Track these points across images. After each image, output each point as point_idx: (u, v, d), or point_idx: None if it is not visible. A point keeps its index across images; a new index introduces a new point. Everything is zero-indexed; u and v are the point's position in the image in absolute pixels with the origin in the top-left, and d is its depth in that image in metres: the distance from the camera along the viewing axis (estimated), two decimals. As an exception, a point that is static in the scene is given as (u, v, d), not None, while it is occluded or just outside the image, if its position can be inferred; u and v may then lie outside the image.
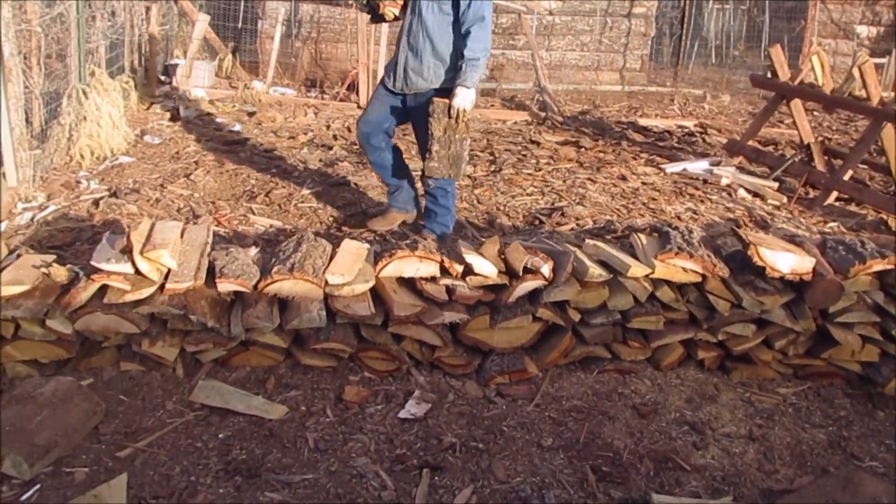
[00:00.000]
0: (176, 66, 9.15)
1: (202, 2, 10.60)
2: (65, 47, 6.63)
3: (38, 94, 5.76)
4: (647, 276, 3.20)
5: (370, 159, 4.74)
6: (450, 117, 4.00)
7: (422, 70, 4.23)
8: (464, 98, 4.00)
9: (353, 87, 9.24)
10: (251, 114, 8.14)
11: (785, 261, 3.19)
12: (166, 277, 2.96)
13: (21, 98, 5.01)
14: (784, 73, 6.81)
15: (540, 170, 6.37)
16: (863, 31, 12.21)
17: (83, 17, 6.38)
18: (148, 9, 8.75)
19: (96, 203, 4.99)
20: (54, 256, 3.26)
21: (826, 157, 6.52)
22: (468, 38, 4.05)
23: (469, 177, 6.06)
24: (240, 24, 10.61)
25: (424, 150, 4.28)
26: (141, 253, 2.87)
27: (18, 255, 3.28)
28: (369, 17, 4.47)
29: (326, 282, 3.02)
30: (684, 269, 3.21)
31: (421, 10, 4.14)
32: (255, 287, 3.00)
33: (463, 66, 4.06)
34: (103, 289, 2.93)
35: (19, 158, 4.99)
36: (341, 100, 9.21)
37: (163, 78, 9.14)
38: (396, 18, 4.34)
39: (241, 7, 10.59)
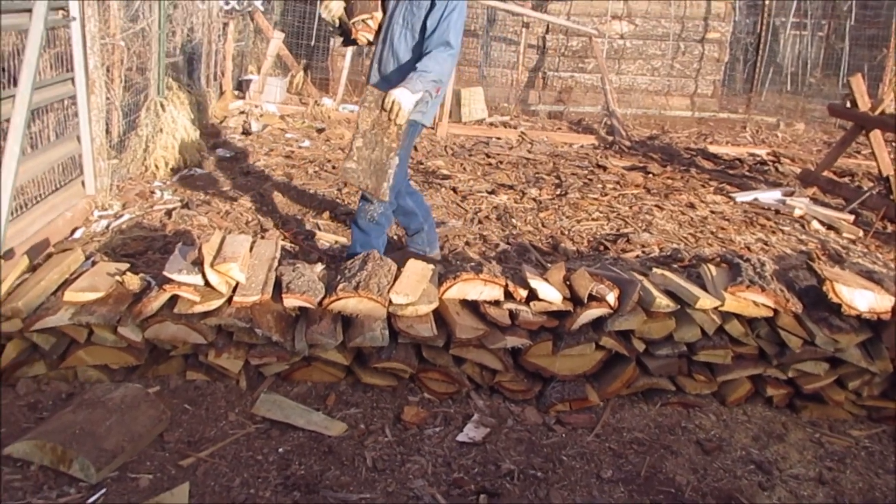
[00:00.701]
0: (250, 81, 9.37)
1: (277, 19, 10.84)
2: (145, 61, 6.85)
3: (118, 105, 5.96)
4: (716, 308, 3.13)
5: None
6: (383, 109, 3.66)
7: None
8: (401, 95, 3.60)
9: (421, 106, 9.29)
10: (320, 130, 8.27)
11: (863, 299, 3.09)
12: (234, 290, 3.01)
13: (103, 109, 5.18)
14: (864, 103, 6.62)
15: (606, 195, 6.31)
16: (948, 61, 11.80)
17: (164, 32, 6.58)
18: (225, 25, 8.99)
19: (169, 213, 5.11)
20: (128, 265, 3.35)
21: (906, 191, 6.30)
22: (426, 56, 3.78)
23: (534, 199, 6.03)
24: (312, 42, 10.82)
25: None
26: (212, 265, 2.93)
27: (94, 262, 3.38)
28: (342, 39, 4.21)
29: (390, 301, 3.03)
30: (755, 303, 3.13)
31: (393, 38, 3.94)
32: (320, 304, 3.02)
33: (412, 74, 3.74)
34: (173, 299, 2.99)
35: (98, 168, 5.15)
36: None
37: (236, 92, 9.37)
38: (370, 43, 4.10)
39: (315, 25, 10.79)
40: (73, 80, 4.83)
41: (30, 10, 4.16)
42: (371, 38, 4.02)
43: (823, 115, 9.96)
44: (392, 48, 3.95)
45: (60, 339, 3.00)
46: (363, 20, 3.93)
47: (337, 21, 3.97)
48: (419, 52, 3.85)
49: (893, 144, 8.84)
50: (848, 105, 6.91)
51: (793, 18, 12.16)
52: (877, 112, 6.47)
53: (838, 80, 12.00)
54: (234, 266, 2.94)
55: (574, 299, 3.15)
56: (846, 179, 7.55)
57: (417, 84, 3.65)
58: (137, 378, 3.07)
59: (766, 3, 11.42)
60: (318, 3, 3.99)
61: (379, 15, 3.94)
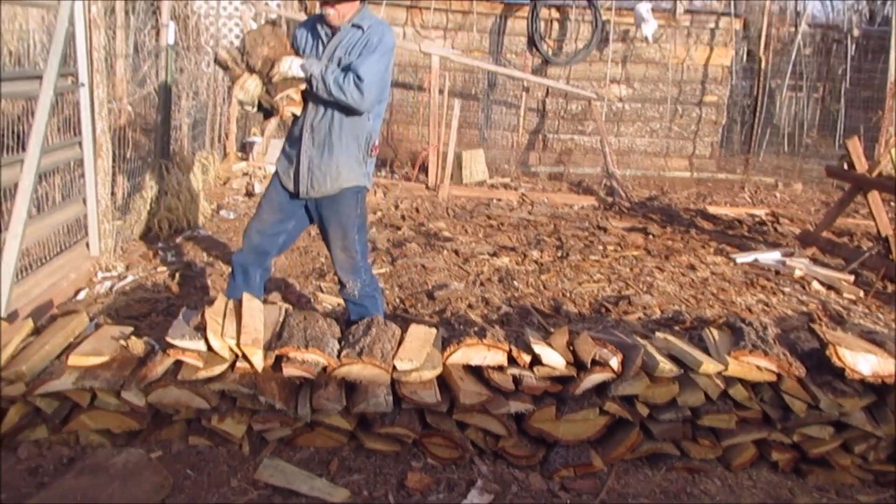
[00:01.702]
0: (253, 143, 9.50)
1: (282, 83, 11.01)
2: (151, 123, 6.97)
3: (123, 168, 6.04)
4: (719, 373, 3.13)
5: (232, 282, 4.11)
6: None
7: (331, 169, 3.80)
8: (293, 60, 3.62)
9: (423, 168, 9.42)
10: (323, 191, 8.34)
11: (866, 362, 3.09)
12: (237, 356, 3.01)
13: (109, 172, 5.26)
14: (861, 165, 6.71)
15: (607, 256, 6.34)
16: (942, 122, 11.98)
17: (170, 96, 6.71)
18: (230, 88, 9.15)
19: (172, 275, 5.14)
20: (132, 328, 3.35)
21: (905, 252, 6.34)
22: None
23: (536, 261, 6.07)
24: (316, 105, 10.97)
25: (337, 258, 3.99)
26: (238, 343, 2.95)
27: (98, 325, 3.39)
28: (262, 114, 3.96)
29: (394, 367, 3.03)
30: (759, 368, 3.13)
31: (324, 101, 3.72)
32: (324, 370, 3.03)
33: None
34: (177, 364, 2.99)
35: (103, 229, 5.20)
36: (409, 180, 9.39)
37: (240, 154, 9.48)
38: (295, 117, 3.85)
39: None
40: (80, 143, 4.92)
41: (40, 77, 4.26)
42: (298, 111, 3.80)
43: (821, 176, 10.07)
44: (327, 110, 3.76)
45: (63, 402, 3.00)
46: (288, 95, 3.71)
47: (256, 101, 3.76)
48: (355, 112, 3.73)
49: (891, 205, 8.92)
50: (845, 166, 7.00)
51: (788, 81, 12.37)
52: (874, 174, 6.55)
53: (834, 140, 12.16)
54: (259, 353, 2.96)
55: (577, 364, 3.15)
56: (845, 239, 7.60)
57: (314, 65, 3.63)
58: (140, 443, 3.05)
59: (762, 66, 11.63)
60: (233, 84, 3.77)
61: (304, 85, 3.70)
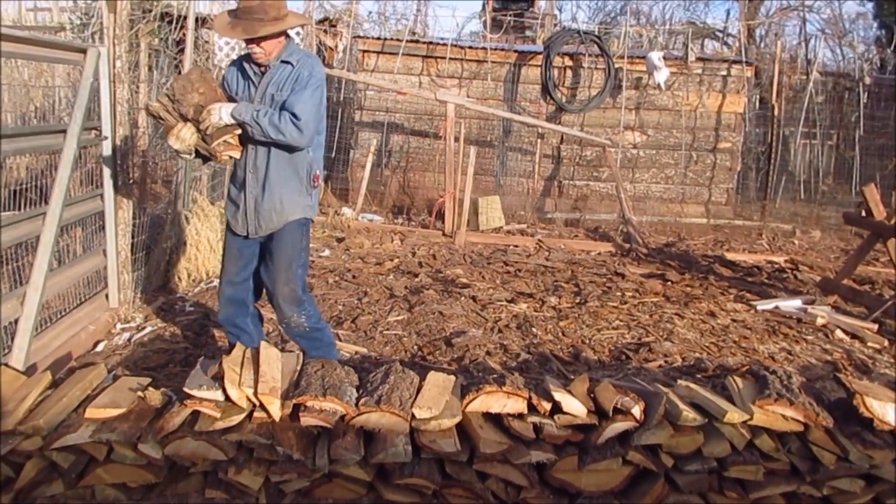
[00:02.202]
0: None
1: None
2: (171, 175, 7.04)
3: (143, 219, 6.08)
4: (744, 422, 3.06)
5: (232, 340, 4.12)
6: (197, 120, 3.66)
7: (274, 204, 3.85)
8: (223, 107, 3.63)
9: (439, 215, 9.45)
10: (340, 239, 8.39)
11: (894, 413, 3.02)
12: (255, 406, 2.99)
13: (129, 224, 5.30)
14: (879, 212, 6.66)
15: (626, 303, 6.30)
16: (958, 167, 11.96)
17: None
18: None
19: (190, 326, 5.14)
20: (150, 379, 3.34)
21: (928, 299, 6.25)
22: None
23: (554, 308, 6.03)
24: (333, 154, 11.10)
25: (280, 293, 3.96)
26: (255, 392, 2.92)
27: (115, 377, 3.37)
28: (199, 161, 3.95)
29: (413, 415, 2.99)
30: (785, 417, 3.06)
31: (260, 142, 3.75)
32: (342, 419, 2.99)
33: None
34: (194, 414, 2.97)
35: (122, 281, 5.22)
36: (426, 227, 9.42)
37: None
38: (235, 160, 3.89)
39: (336, 137, 11.11)
40: (101, 195, 4.97)
41: (64, 131, 4.32)
42: (238, 154, 3.81)
43: (838, 223, 10.01)
44: (265, 148, 3.78)
45: (79, 456, 2.96)
46: (225, 140, 3.70)
47: (193, 149, 3.75)
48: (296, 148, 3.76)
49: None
50: (863, 214, 6.96)
51: (802, 128, 12.39)
52: (893, 221, 6.50)
53: (850, 188, 12.12)
54: (277, 402, 2.94)
55: (599, 412, 3.10)
56: (867, 287, 7.51)
57: (245, 111, 3.63)
58: (156, 496, 3.01)
59: (775, 113, 11.67)
60: (167, 135, 3.73)
61: (240, 130, 3.70)
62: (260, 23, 3.67)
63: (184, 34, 7.92)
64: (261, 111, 3.65)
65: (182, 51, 7.68)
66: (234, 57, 10.65)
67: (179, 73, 7.98)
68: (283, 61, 3.79)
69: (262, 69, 3.81)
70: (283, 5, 3.77)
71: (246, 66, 3.86)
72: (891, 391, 3.23)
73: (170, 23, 8.71)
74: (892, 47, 12.88)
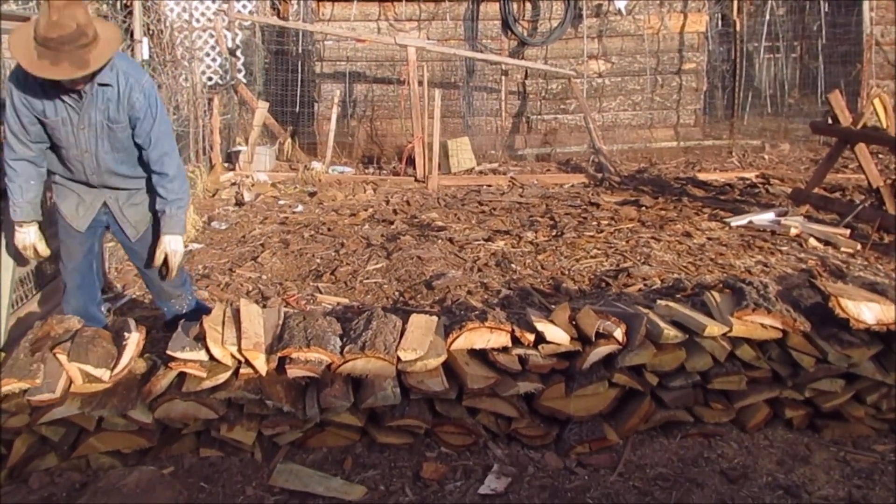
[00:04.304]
0: (238, 152, 9.45)
1: (260, 90, 10.99)
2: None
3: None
4: (724, 334, 3.12)
5: None
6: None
7: (136, 203, 3.62)
8: (176, 243, 3.58)
9: (410, 161, 9.38)
10: (312, 194, 8.33)
11: (869, 311, 3.08)
12: (241, 362, 2.99)
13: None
14: (845, 119, 6.70)
15: (602, 231, 6.33)
16: (922, 70, 11.99)
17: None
18: (210, 100, 9.11)
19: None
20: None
21: (898, 200, 6.33)
22: (161, 177, 3.47)
23: (531, 242, 6.05)
24: (297, 109, 10.95)
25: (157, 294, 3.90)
26: (239, 349, 2.92)
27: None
28: None
29: (399, 358, 3.01)
30: (763, 326, 3.12)
31: (94, 155, 3.36)
32: (328, 367, 3.00)
33: (168, 210, 3.51)
34: (181, 377, 2.97)
35: (95, 252, 5.15)
36: (398, 174, 9.36)
37: (226, 165, 9.44)
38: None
39: (298, 92, 10.94)
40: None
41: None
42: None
43: (806, 134, 10.07)
44: (107, 173, 3.45)
45: (70, 428, 2.97)
46: None
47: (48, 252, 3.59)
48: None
49: (879, 156, 8.92)
50: (829, 122, 6.99)
51: (765, 42, 12.34)
52: (859, 126, 6.54)
53: (816, 98, 12.12)
54: (261, 357, 2.95)
55: (582, 338, 3.14)
56: (837, 194, 7.59)
57: (179, 221, 3.55)
58: (151, 460, 3.03)
59: (738, 29, 11.60)
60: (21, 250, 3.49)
61: None
62: (86, 49, 3.00)
63: (131, -3, 7.71)
64: (173, 204, 3.48)
65: (130, 13, 7.48)
66: (187, 16, 10.43)
67: (130, 35, 7.78)
68: (100, 84, 3.20)
69: (77, 93, 3.20)
70: (85, 13, 3.03)
71: (46, 88, 3.15)
72: (865, 291, 3.29)
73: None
74: (850, -48, 12.78)
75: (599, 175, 9.05)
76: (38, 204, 3.44)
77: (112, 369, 2.94)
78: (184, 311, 3.91)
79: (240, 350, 2.93)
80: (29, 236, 3.45)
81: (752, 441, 3.21)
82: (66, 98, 3.20)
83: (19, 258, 3.63)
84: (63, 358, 2.90)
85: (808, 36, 12.60)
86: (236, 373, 2.99)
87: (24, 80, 3.15)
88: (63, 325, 3.15)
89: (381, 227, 6.81)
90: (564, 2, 10.63)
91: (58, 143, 3.34)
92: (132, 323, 3.17)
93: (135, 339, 3.03)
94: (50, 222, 3.70)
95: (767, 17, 12.13)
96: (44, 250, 3.54)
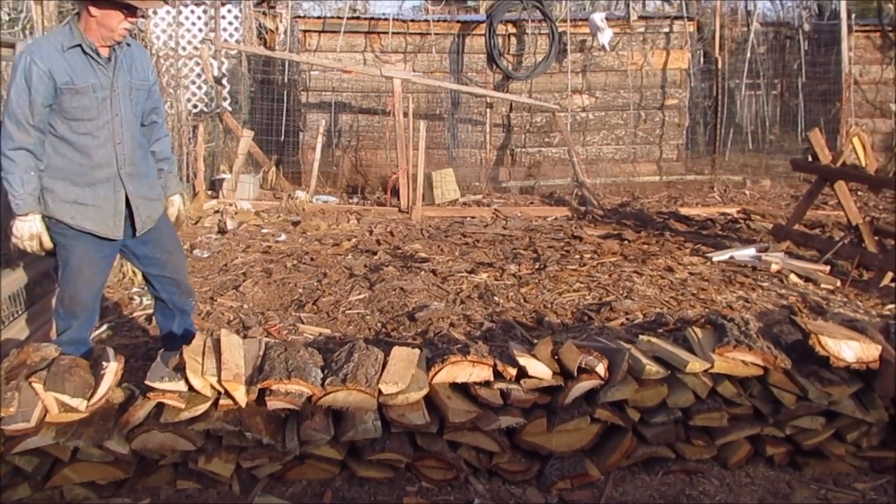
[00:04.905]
0: (222, 180, 9.44)
1: (245, 118, 11.01)
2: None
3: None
4: (706, 371, 3.12)
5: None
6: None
7: (153, 190, 3.69)
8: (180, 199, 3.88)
9: (394, 191, 9.40)
10: (296, 223, 8.31)
11: (849, 349, 3.10)
12: (220, 393, 2.96)
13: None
14: (825, 156, 6.79)
15: (585, 265, 6.35)
16: (900, 109, 12.22)
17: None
18: (195, 128, 9.12)
19: (149, 319, 5.06)
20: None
21: (877, 238, 6.40)
22: (162, 139, 3.76)
23: (514, 275, 6.06)
24: (282, 138, 10.97)
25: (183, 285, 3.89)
26: (219, 380, 2.89)
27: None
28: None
29: (380, 391, 2.99)
30: (744, 363, 3.12)
31: (123, 120, 3.45)
32: (309, 400, 2.98)
33: (170, 167, 3.78)
34: (159, 407, 2.93)
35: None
36: (382, 204, 9.37)
37: (210, 192, 9.42)
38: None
39: (283, 121, 10.97)
40: None
41: None
42: None
43: (787, 171, 10.19)
44: (125, 128, 3.48)
45: (44, 458, 2.92)
46: None
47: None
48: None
49: (859, 194, 9.04)
50: (810, 159, 7.08)
51: (746, 80, 12.54)
52: (838, 164, 6.63)
53: (797, 135, 12.31)
54: (242, 389, 2.91)
55: (564, 373, 3.13)
56: (817, 231, 7.68)
57: (176, 175, 3.82)
58: (127, 492, 2.98)
59: (719, 67, 11.79)
60: (21, 243, 3.40)
61: None
62: None
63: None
64: (171, 160, 3.82)
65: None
66: (174, 44, 10.46)
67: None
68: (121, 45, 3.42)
69: (103, 54, 3.35)
70: None
71: (75, 52, 3.30)
72: (845, 329, 3.31)
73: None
74: (828, -6, 13.07)
75: (583, 208, 9.10)
76: (37, 196, 3.37)
77: (89, 399, 2.89)
78: (191, 318, 3.97)
79: (219, 381, 2.90)
80: (35, 225, 3.36)
81: (733, 478, 3.20)
82: (95, 62, 3.32)
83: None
84: (39, 387, 2.86)
85: (789, 74, 12.83)
86: (216, 404, 2.96)
87: (49, 51, 3.25)
88: (39, 354, 3.10)
89: (365, 257, 6.80)
90: (549, 37, 10.76)
91: (81, 115, 3.33)
92: (110, 352, 3.13)
93: (113, 369, 2.99)
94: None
95: (748, 55, 12.33)
96: (48, 243, 3.44)
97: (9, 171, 3.28)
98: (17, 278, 4.24)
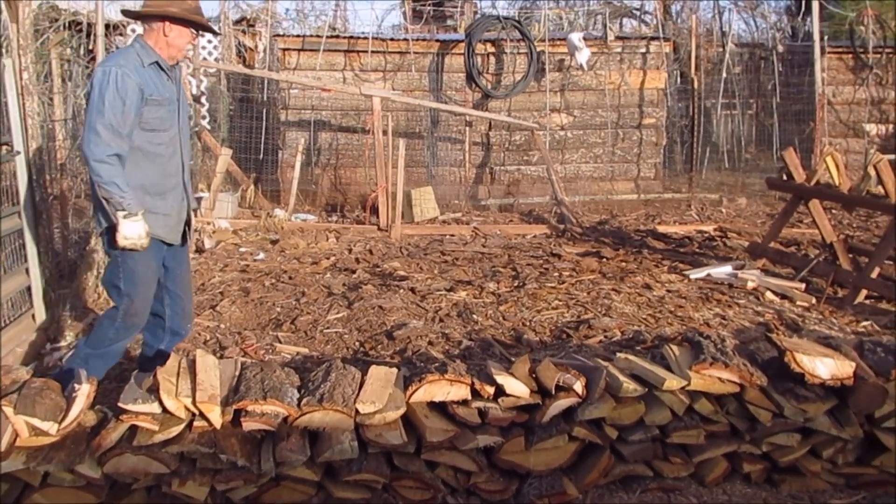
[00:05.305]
0: (200, 198, 9.37)
1: (224, 136, 10.98)
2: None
3: (67, 234, 5.90)
4: (683, 388, 3.13)
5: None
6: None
7: (192, 200, 3.95)
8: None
9: (373, 210, 9.40)
10: (274, 241, 8.28)
11: (824, 366, 3.12)
12: (195, 415, 2.93)
13: (51, 240, 5.12)
14: (799, 175, 6.86)
15: (563, 282, 6.36)
16: (872, 129, 12.41)
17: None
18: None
19: (124, 339, 5.00)
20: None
21: (851, 256, 6.48)
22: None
23: (493, 293, 6.06)
24: (261, 156, 10.94)
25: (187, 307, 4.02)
26: (194, 401, 2.86)
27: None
28: None
29: (357, 411, 2.97)
30: (721, 380, 3.14)
31: (182, 131, 3.78)
32: (285, 420, 2.95)
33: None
34: (132, 430, 2.89)
35: (48, 299, 5.05)
36: (361, 223, 9.36)
37: (188, 211, 9.34)
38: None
39: (262, 139, 10.95)
40: (19, 213, 4.79)
41: (-27, 148, 4.15)
42: None
43: (763, 189, 10.29)
44: (187, 152, 3.85)
45: (14, 483, 2.87)
46: None
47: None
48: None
49: (833, 212, 9.14)
50: (784, 178, 7.16)
51: (722, 100, 12.68)
52: (812, 183, 6.70)
53: (772, 154, 12.45)
54: (217, 410, 2.88)
55: (542, 391, 3.13)
56: (793, 249, 7.75)
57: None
58: (98, 516, 2.93)
59: (695, 87, 11.92)
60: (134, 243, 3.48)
61: None
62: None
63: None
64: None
65: (94, 59, 7.45)
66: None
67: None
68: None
69: (167, 69, 3.67)
70: None
71: (152, 68, 3.59)
72: (820, 346, 3.34)
73: (80, 31, 8.44)
74: (801, 15, 13.25)
75: (561, 226, 9.14)
76: None
77: (60, 422, 2.85)
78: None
79: (194, 402, 2.87)
80: (143, 223, 3.48)
81: (710, 496, 3.20)
82: (167, 77, 3.64)
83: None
84: (9, 410, 2.81)
85: (764, 94, 12.99)
86: (190, 426, 2.92)
87: (136, 65, 3.50)
88: (10, 377, 3.06)
89: (343, 275, 6.78)
90: (528, 56, 10.84)
91: (158, 126, 3.58)
92: (82, 374, 3.09)
93: (85, 391, 2.95)
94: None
95: (724, 75, 12.47)
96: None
97: (111, 175, 3.40)
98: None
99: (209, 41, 11.04)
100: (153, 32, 3.60)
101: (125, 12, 4.03)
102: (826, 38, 12.08)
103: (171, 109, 3.67)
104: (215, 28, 3.78)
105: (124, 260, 3.59)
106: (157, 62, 3.60)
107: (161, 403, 2.87)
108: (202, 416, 2.91)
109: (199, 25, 3.69)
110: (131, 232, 3.45)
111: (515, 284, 6.32)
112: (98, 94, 3.41)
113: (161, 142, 3.63)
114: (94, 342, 3.78)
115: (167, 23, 3.56)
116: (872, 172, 6.11)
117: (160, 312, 3.92)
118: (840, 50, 12.41)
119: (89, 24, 8.00)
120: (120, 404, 2.88)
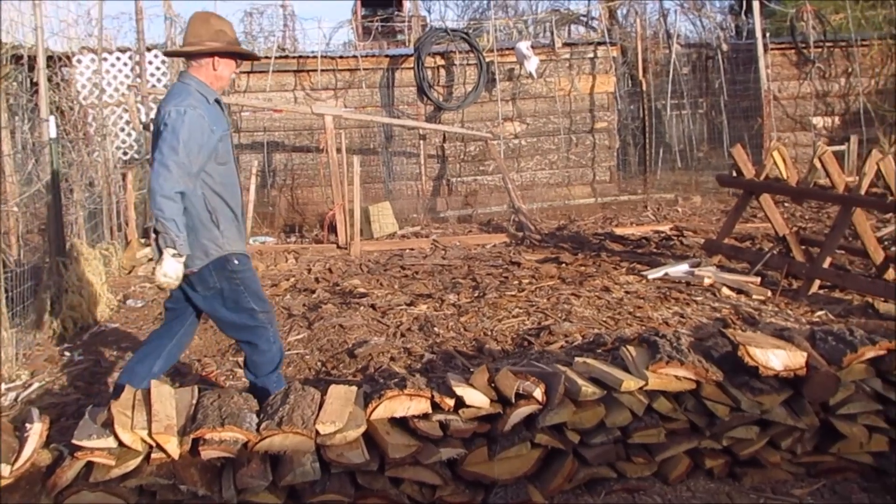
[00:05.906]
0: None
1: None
2: (44, 221, 6.72)
3: (17, 271, 5.78)
4: (641, 388, 3.15)
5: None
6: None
7: None
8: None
9: (332, 228, 9.36)
10: (233, 266, 8.18)
11: (776, 358, 3.17)
12: (151, 446, 2.88)
13: (2, 278, 5.02)
14: (748, 171, 6.99)
15: (523, 290, 6.39)
16: (818, 121, 12.68)
17: (60, 191, 6.49)
18: (124, 175, 8.94)
19: (80, 376, 4.92)
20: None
21: (803, 247, 6.60)
22: None
23: (454, 305, 6.07)
24: (216, 180, 10.82)
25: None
26: (150, 433, 2.81)
27: None
28: None
29: (317, 432, 2.94)
30: (677, 378, 3.17)
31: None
32: (245, 446, 2.92)
33: None
34: (89, 466, 2.84)
35: (1, 338, 4.95)
36: (320, 242, 9.32)
37: (143, 241, 9.22)
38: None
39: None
40: (-35, 251, 4.69)
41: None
42: None
43: (716, 187, 10.46)
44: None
45: (-33, 528, 2.80)
46: None
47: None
48: None
49: (784, 205, 9.31)
50: (734, 174, 7.28)
51: (672, 100, 12.87)
52: (761, 177, 6.83)
53: (723, 151, 12.65)
54: (174, 440, 2.83)
55: (502, 400, 3.13)
56: (747, 244, 7.88)
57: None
58: (56, 558, 2.87)
59: (644, 89, 12.09)
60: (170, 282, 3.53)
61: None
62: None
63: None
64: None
65: (37, 92, 7.34)
66: (98, 92, 10.30)
67: (38, 115, 7.62)
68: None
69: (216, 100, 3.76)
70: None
71: (209, 102, 3.65)
72: (772, 338, 3.39)
73: (22, 65, 8.32)
74: (743, 13, 13.52)
75: (520, 234, 9.19)
76: None
77: (13, 464, 2.78)
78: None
79: (150, 434, 2.82)
80: (182, 266, 3.52)
81: (675, 493, 3.23)
82: (223, 110, 3.76)
83: None
84: (-41, 454, 2.75)
85: (712, 93, 13.21)
86: (148, 458, 2.87)
87: (204, 104, 3.60)
88: (-40, 419, 2.98)
89: (303, 296, 6.73)
90: (477, 67, 10.92)
91: (223, 160, 3.66)
92: (35, 412, 3.02)
93: (37, 430, 2.89)
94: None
95: (672, 76, 12.67)
96: None
97: (172, 213, 3.43)
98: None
99: (157, 68, 10.92)
100: (202, 69, 3.69)
101: (167, 53, 4.13)
102: (769, 35, 12.36)
103: (230, 143, 3.80)
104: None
105: (240, 281, 3.74)
106: (217, 99, 3.73)
107: (117, 437, 2.82)
108: (159, 447, 2.86)
109: (243, 56, 3.90)
110: (173, 271, 3.49)
111: (476, 295, 6.34)
112: (172, 131, 3.45)
113: (230, 172, 3.75)
114: (264, 367, 3.87)
115: (216, 58, 3.68)
116: (818, 165, 6.24)
117: (176, 330, 4.01)
118: (783, 46, 12.69)
119: (30, 57, 7.85)
120: (74, 441, 2.83)
